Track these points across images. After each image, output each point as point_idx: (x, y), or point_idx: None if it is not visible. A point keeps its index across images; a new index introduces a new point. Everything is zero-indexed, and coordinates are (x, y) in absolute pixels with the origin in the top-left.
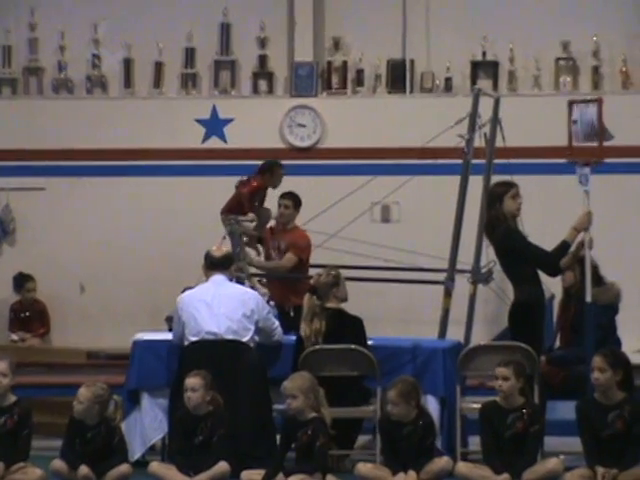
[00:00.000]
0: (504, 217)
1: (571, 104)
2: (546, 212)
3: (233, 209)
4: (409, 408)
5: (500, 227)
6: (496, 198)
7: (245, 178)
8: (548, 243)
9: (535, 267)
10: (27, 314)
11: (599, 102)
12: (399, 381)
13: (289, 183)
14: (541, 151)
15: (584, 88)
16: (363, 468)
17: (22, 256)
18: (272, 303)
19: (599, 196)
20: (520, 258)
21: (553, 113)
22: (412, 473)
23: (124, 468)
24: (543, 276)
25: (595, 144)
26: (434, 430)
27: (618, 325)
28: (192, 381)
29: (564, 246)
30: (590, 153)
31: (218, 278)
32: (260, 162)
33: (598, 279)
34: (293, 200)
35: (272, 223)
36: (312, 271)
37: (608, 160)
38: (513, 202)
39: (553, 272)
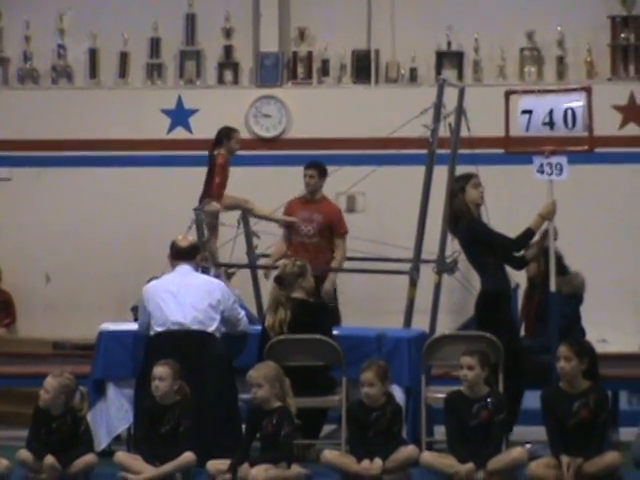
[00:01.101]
0: (467, 207)
1: (508, 95)
2: (511, 202)
3: (208, 192)
4: (382, 390)
5: (463, 218)
6: (457, 191)
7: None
8: (513, 233)
9: (500, 258)
10: None
11: (588, 91)
12: (372, 363)
13: (255, 174)
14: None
15: (549, 78)
16: (329, 455)
17: None
18: (237, 292)
19: (564, 186)
20: (484, 247)
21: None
22: (378, 460)
23: (89, 458)
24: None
25: (557, 134)
26: (402, 416)
27: (582, 315)
28: (160, 370)
29: (528, 233)
30: (551, 142)
31: (184, 268)
32: None
33: (562, 269)
34: (318, 169)
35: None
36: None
37: (572, 150)
38: (475, 191)
39: (518, 264)
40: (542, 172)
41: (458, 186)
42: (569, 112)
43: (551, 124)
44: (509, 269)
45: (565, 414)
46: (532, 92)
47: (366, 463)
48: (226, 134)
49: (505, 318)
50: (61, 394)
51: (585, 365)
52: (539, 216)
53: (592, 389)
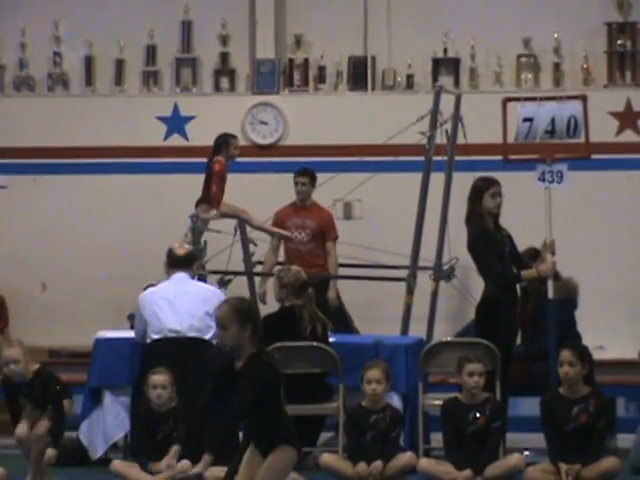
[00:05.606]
0: (481, 214)
1: (505, 102)
2: (507, 209)
3: (205, 198)
4: (386, 389)
5: (474, 224)
6: (477, 193)
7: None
8: None
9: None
10: None
11: (584, 99)
12: (378, 362)
13: (251, 181)
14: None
15: (545, 85)
16: (327, 458)
17: None
18: None
19: (561, 192)
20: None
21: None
22: (378, 462)
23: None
24: None
25: (559, 141)
26: (400, 422)
27: (580, 321)
28: (161, 378)
29: (516, 278)
30: (550, 150)
31: (180, 276)
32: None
33: (555, 274)
34: (309, 176)
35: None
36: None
37: (560, 157)
38: (492, 200)
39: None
40: (543, 180)
41: (477, 189)
42: (572, 120)
43: (552, 132)
44: None
45: (564, 419)
46: (531, 100)
47: (363, 466)
48: (224, 141)
49: (505, 325)
50: (27, 357)
51: (586, 370)
52: (536, 271)
53: (592, 394)
